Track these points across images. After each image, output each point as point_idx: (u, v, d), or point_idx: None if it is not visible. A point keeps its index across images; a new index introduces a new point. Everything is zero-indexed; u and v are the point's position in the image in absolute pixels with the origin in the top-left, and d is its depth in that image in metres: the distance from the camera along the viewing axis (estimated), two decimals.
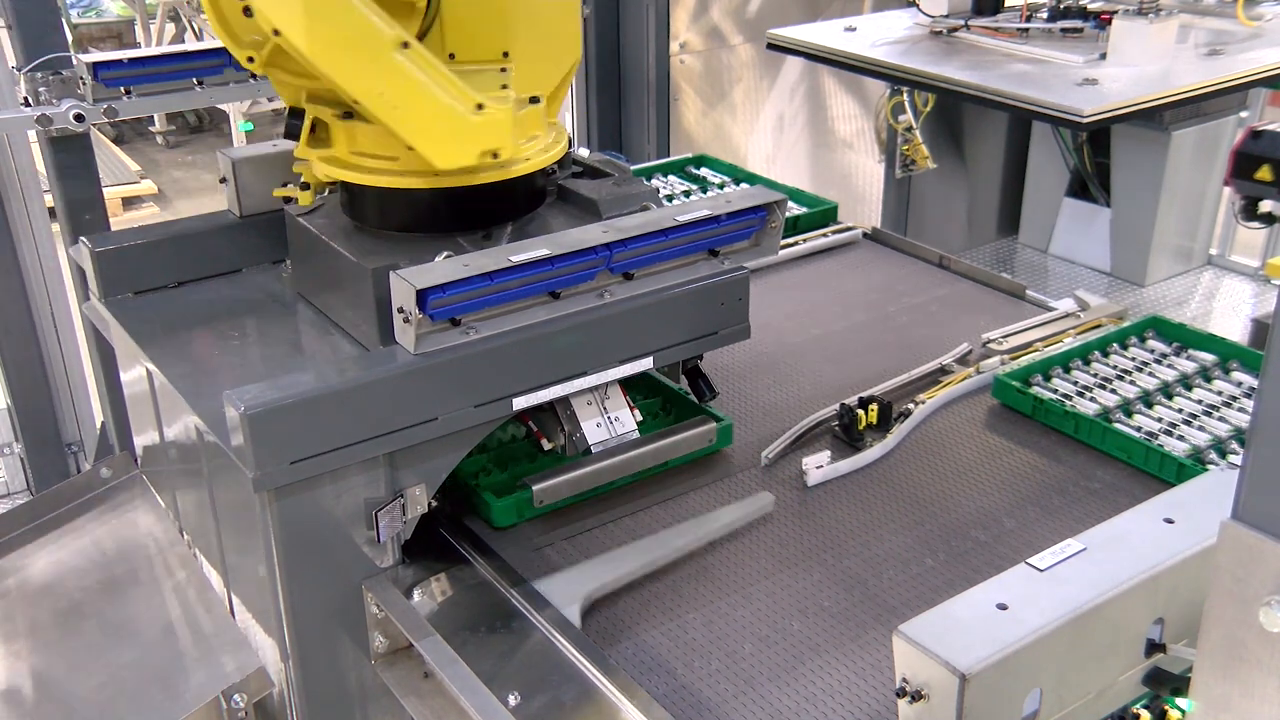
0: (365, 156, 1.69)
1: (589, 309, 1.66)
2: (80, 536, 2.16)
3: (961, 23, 3.15)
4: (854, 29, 3.30)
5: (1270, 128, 2.19)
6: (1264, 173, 2.18)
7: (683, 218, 1.70)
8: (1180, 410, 2.00)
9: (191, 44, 7.16)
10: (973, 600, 1.16)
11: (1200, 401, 2.03)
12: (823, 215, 2.84)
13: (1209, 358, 2.15)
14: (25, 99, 2.85)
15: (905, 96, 3.83)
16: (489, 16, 1.68)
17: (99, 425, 3.45)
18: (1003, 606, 1.14)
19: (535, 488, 1.67)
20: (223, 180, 1.98)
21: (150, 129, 8.65)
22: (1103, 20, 2.97)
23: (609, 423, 1.75)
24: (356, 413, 1.51)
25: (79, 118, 2.81)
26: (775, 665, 1.53)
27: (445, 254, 1.62)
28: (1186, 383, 2.09)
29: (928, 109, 3.91)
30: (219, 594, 1.93)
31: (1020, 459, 1.95)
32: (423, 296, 1.49)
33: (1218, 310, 3.97)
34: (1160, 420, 1.98)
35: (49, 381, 3.41)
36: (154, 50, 3.12)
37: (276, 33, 1.51)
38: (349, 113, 1.68)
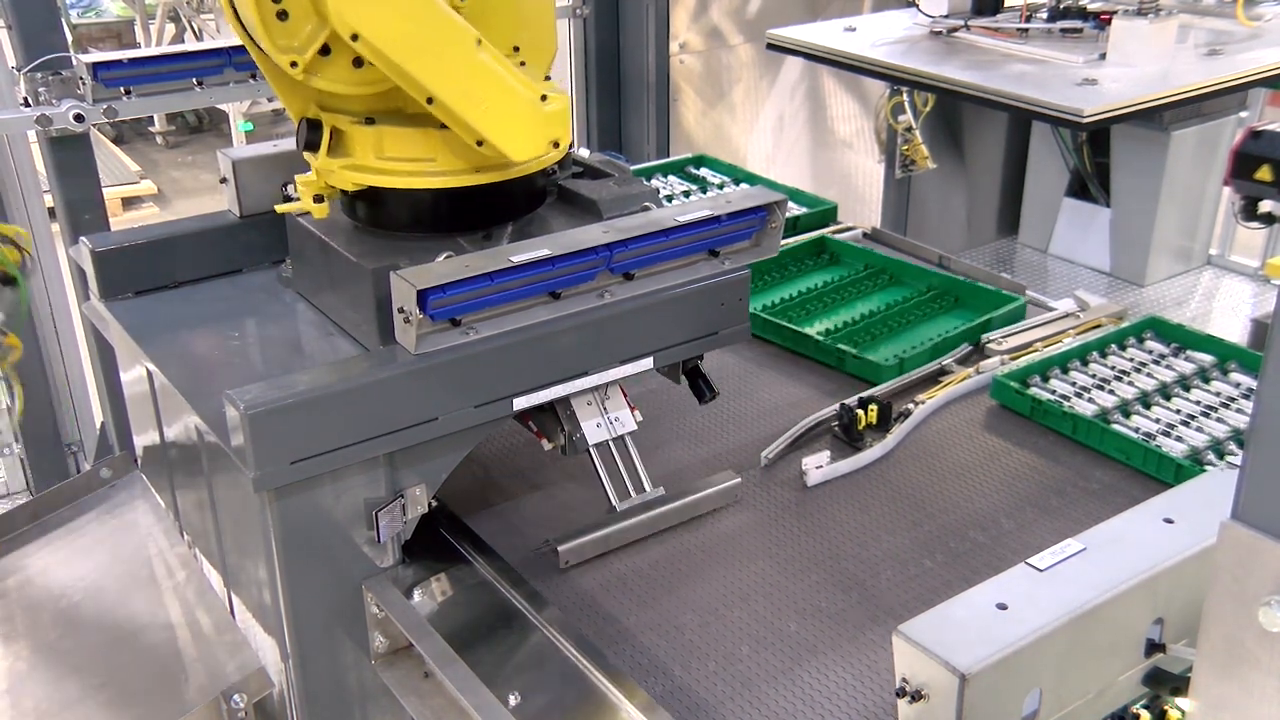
0: (391, 160, 1.69)
1: (589, 309, 1.66)
2: (80, 536, 2.16)
3: (961, 23, 3.15)
4: (854, 29, 3.30)
5: (1270, 128, 2.19)
6: (1264, 173, 2.18)
7: (683, 218, 1.70)
8: (1178, 411, 2.00)
9: (191, 44, 7.17)
10: (972, 600, 1.16)
11: (1198, 403, 2.02)
12: (822, 215, 2.84)
13: (1207, 359, 2.15)
14: (25, 99, 2.85)
15: (905, 96, 3.84)
16: (505, 9, 1.68)
17: (99, 425, 3.45)
18: (1002, 606, 1.14)
19: (561, 549, 1.70)
20: (223, 180, 1.98)
21: (150, 129, 8.66)
22: (1102, 20, 2.97)
23: (609, 423, 1.75)
24: (356, 413, 1.51)
25: (79, 118, 2.81)
26: (773, 666, 1.53)
27: (445, 254, 1.62)
28: (1185, 384, 2.09)
29: (927, 109, 3.91)
30: (219, 594, 1.93)
31: (1018, 460, 1.95)
32: (423, 296, 1.49)
33: (1217, 310, 3.97)
34: (1158, 421, 1.97)
35: (49, 381, 3.41)
36: (154, 50, 3.13)
37: (355, 37, 1.49)
38: (370, 119, 1.68)
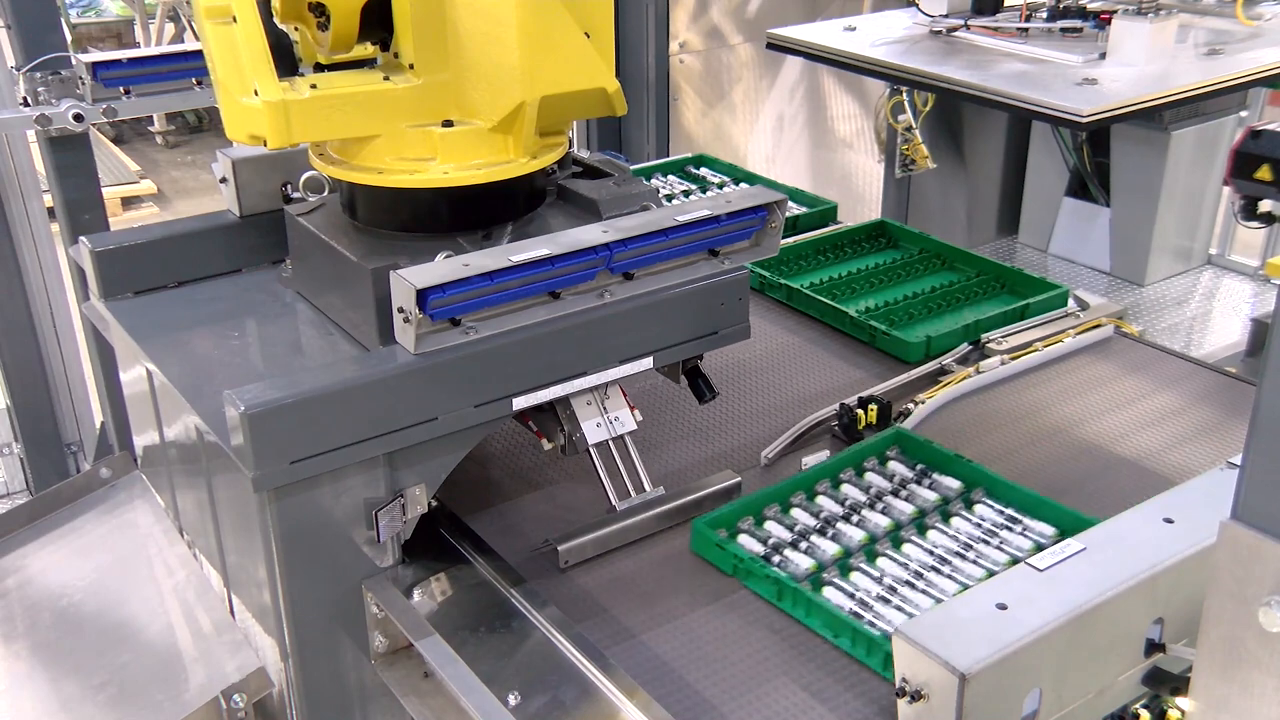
0: (391, 159, 1.69)
1: (589, 309, 1.66)
2: (80, 536, 2.16)
3: (961, 22, 3.15)
4: (854, 29, 3.31)
5: (1270, 127, 2.18)
6: (1263, 172, 2.18)
7: (683, 218, 1.70)
8: (907, 564, 1.64)
9: (191, 44, 7.16)
10: (973, 600, 1.16)
11: (933, 549, 1.66)
12: (822, 215, 2.84)
13: (954, 485, 1.79)
14: (24, 99, 2.86)
15: (905, 96, 3.83)
16: (403, 26, 1.70)
17: (99, 425, 3.45)
18: (1002, 606, 1.14)
19: (561, 548, 1.70)
20: (222, 180, 1.98)
21: (150, 129, 8.65)
22: (1102, 20, 2.98)
23: (609, 422, 1.75)
24: (356, 413, 1.51)
25: (78, 118, 2.81)
26: (774, 665, 1.53)
27: (445, 254, 1.62)
28: (920, 524, 1.72)
29: (927, 109, 3.91)
30: (219, 594, 1.93)
31: (1021, 460, 1.95)
32: (423, 296, 1.49)
33: (1217, 310, 3.96)
34: (881, 579, 1.61)
35: (49, 381, 3.41)
36: (153, 50, 3.12)
37: None
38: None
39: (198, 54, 2.96)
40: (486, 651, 1.54)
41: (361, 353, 1.70)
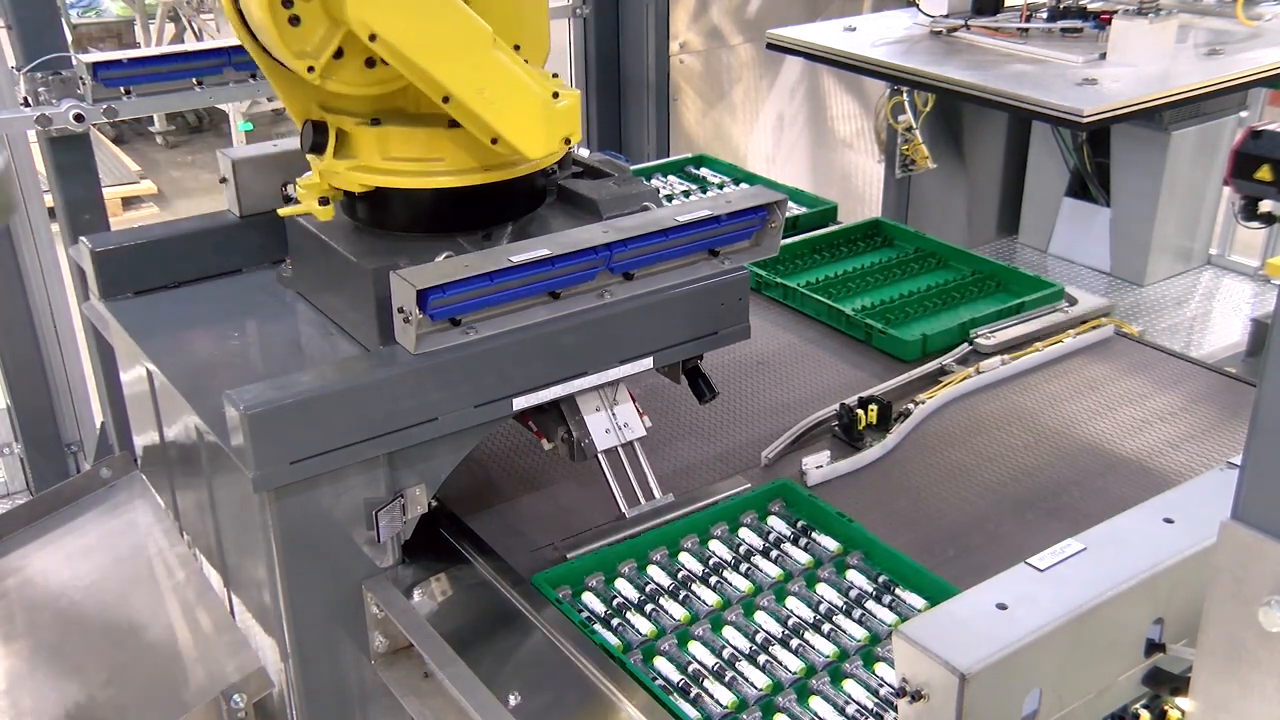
0: (395, 160, 1.68)
1: (589, 309, 1.66)
2: (80, 536, 2.16)
3: (961, 23, 3.15)
4: (854, 29, 3.31)
5: (1270, 128, 2.18)
6: (1264, 172, 2.17)
7: (683, 218, 1.70)
8: (755, 634, 1.53)
9: (191, 44, 7.17)
10: (973, 600, 1.16)
11: (788, 617, 1.56)
12: (822, 215, 2.84)
13: (832, 546, 1.69)
14: (25, 99, 2.85)
15: (905, 96, 3.83)
16: (505, 8, 1.68)
17: (99, 425, 3.45)
18: (1002, 606, 1.14)
19: (569, 555, 1.69)
20: (223, 180, 1.98)
21: (150, 129, 8.66)
22: (1102, 20, 2.98)
23: (618, 429, 1.75)
24: (356, 413, 1.51)
25: (79, 118, 2.81)
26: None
27: (445, 254, 1.62)
28: (781, 590, 1.61)
29: (927, 109, 3.91)
30: (219, 594, 1.93)
31: (1021, 461, 1.95)
32: (423, 296, 1.49)
33: (1217, 310, 3.97)
34: (720, 651, 1.51)
35: (49, 381, 3.41)
36: (154, 50, 3.13)
37: (373, 38, 1.49)
38: (376, 119, 1.67)
39: (198, 54, 2.97)
40: (486, 651, 1.54)
41: (361, 353, 1.70)
